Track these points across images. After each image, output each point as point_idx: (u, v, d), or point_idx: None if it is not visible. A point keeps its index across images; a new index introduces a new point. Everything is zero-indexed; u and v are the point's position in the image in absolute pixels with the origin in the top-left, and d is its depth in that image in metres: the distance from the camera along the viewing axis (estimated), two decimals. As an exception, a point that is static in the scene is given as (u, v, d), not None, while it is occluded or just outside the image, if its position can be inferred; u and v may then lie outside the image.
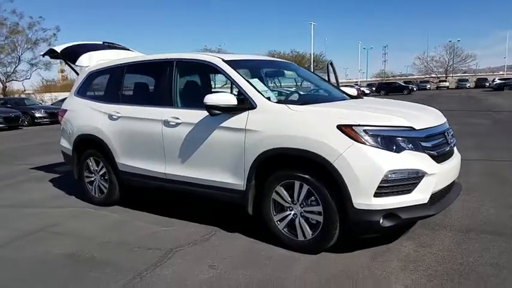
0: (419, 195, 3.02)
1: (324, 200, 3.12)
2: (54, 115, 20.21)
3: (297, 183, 3.26)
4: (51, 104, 25.11)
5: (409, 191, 2.99)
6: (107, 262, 3.31)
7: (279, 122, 3.32)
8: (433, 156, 3.14)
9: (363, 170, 2.92)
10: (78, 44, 5.59)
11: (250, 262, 3.21)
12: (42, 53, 5.76)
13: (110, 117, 4.55)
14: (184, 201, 4.90)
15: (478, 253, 3.18)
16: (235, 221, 4.07)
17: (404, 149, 3.03)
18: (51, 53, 5.59)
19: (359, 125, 3.02)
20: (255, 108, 3.48)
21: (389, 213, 2.97)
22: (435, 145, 3.23)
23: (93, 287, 2.91)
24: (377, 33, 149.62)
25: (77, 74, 5.43)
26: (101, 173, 4.85)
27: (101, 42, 5.90)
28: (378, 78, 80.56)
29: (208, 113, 3.64)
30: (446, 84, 62.12)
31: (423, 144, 3.12)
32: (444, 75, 73.21)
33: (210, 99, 3.48)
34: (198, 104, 3.72)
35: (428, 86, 59.97)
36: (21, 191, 5.96)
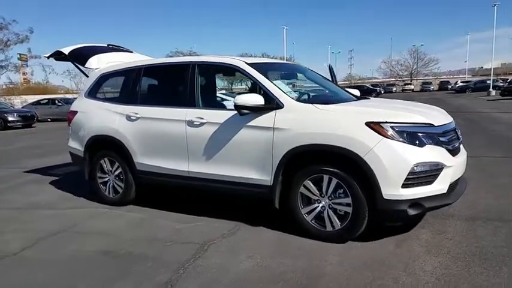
0: (440, 185, 3.33)
1: (353, 192, 3.37)
2: (27, 119, 19.76)
3: (325, 177, 3.49)
4: (22, 107, 24.38)
5: (431, 182, 3.29)
6: (145, 257, 3.42)
7: (308, 120, 3.54)
8: (449, 150, 3.47)
9: (392, 163, 3.20)
10: (85, 46, 5.63)
11: (285, 252, 3.41)
12: (47, 55, 5.71)
13: (128, 117, 4.63)
14: (199, 199, 5.05)
15: (489, 237, 3.52)
16: (256, 216, 4.26)
17: (426, 143, 3.33)
18: (57, 55, 5.59)
19: (386, 122, 3.29)
20: (282, 107, 3.69)
21: (414, 203, 3.25)
22: (450, 140, 3.56)
23: (142, 279, 3.03)
24: (342, 37, 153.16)
25: (86, 76, 5.46)
26: (116, 173, 4.91)
27: (106, 45, 5.95)
28: (346, 82, 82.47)
29: (233, 113, 3.86)
30: (412, 87, 64.46)
31: (441, 139, 3.44)
32: (409, 78, 75.87)
33: (240, 99, 3.66)
34: (222, 105, 3.89)
35: (395, 89, 62.02)
36: (24, 193, 5.89)
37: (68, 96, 34.19)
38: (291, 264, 3.17)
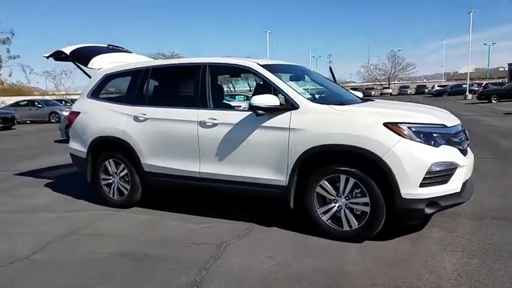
0: (454, 184, 3.43)
1: (371, 192, 3.42)
2: (7, 121, 19.23)
3: (342, 177, 3.54)
4: (0, 109, 23.69)
5: (446, 181, 3.39)
6: (164, 258, 3.39)
7: (325, 121, 3.59)
8: (460, 150, 3.57)
9: (411, 162, 3.27)
10: (86, 46, 5.54)
11: (304, 251, 3.44)
12: (46, 55, 5.58)
13: (136, 118, 4.58)
14: (203, 200, 5.05)
15: (498, 235, 3.64)
16: (268, 217, 4.29)
17: (440, 144, 3.43)
18: (58, 55, 5.48)
19: (404, 123, 3.37)
20: (298, 108, 3.73)
21: (431, 202, 3.34)
22: (461, 140, 3.67)
23: (166, 280, 3.00)
24: (321, 42, 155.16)
25: (89, 76, 5.37)
26: (121, 174, 4.84)
27: (106, 45, 5.87)
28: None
29: (247, 114, 3.90)
30: (390, 91, 65.93)
31: (453, 139, 3.54)
32: (386, 82, 77.39)
33: (256, 100, 3.68)
34: (230, 106, 3.89)
35: (373, 93, 63.00)
36: (20, 196, 5.74)
37: (47, 97, 33.44)
38: (312, 263, 3.20)
